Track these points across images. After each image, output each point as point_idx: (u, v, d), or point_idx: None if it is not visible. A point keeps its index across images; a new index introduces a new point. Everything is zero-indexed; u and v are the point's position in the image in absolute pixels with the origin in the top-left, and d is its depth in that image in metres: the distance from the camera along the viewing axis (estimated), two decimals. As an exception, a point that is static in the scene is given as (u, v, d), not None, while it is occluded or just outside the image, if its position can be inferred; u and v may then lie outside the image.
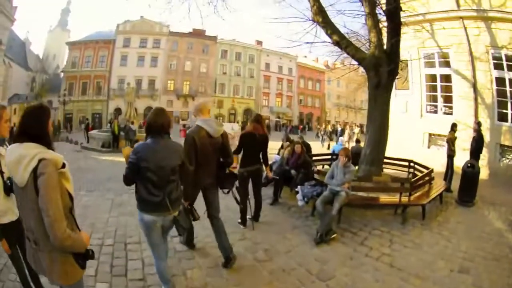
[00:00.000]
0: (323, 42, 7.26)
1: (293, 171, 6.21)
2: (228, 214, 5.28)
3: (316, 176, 6.08)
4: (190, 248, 3.95)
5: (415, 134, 12.37)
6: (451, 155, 8.70)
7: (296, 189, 5.65)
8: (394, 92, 12.93)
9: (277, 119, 48.47)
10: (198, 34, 44.48)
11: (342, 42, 6.88)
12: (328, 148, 19.12)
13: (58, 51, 62.14)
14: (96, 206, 5.60)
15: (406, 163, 8.89)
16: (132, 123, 16.18)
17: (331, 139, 20.96)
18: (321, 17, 6.87)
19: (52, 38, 70.19)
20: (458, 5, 10.77)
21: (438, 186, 6.72)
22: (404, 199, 5.45)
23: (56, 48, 63.43)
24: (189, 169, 3.02)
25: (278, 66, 50.68)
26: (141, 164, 2.50)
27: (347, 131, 21.68)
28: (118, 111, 31.09)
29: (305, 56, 56.49)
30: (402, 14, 7.02)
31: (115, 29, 42.14)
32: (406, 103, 12.77)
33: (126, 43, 41.77)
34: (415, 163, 8.57)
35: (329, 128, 22.84)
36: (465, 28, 10.52)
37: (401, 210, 5.60)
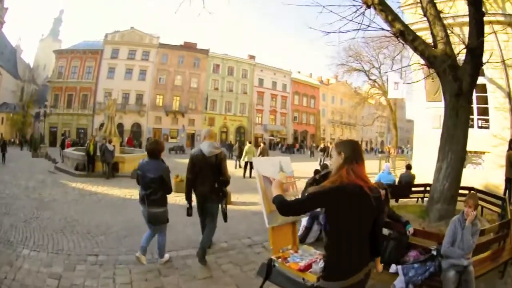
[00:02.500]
0: (380, 29, 5.29)
1: None
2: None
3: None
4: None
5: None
6: (510, 178, 7.88)
7: (392, 271, 3.31)
8: (424, 104, 11.41)
9: (271, 137, 46.36)
10: (189, 47, 42.79)
11: (408, 33, 4.86)
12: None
13: (48, 61, 59.74)
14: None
15: (465, 191, 7.08)
16: (110, 141, 12.49)
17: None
18: (377, -1, 4.88)
19: (43, 48, 68.28)
20: (486, 9, 9.60)
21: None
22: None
23: (46, 58, 61.20)
24: (187, 177, 4.34)
25: (272, 82, 49.18)
26: (138, 172, 4.01)
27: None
28: (103, 126, 28.27)
29: (299, 72, 55.42)
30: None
31: (103, 39, 39.92)
32: (440, 117, 11.10)
33: (114, 54, 39.53)
34: (476, 190, 7.00)
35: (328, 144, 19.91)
36: (495, 34, 9.27)
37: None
